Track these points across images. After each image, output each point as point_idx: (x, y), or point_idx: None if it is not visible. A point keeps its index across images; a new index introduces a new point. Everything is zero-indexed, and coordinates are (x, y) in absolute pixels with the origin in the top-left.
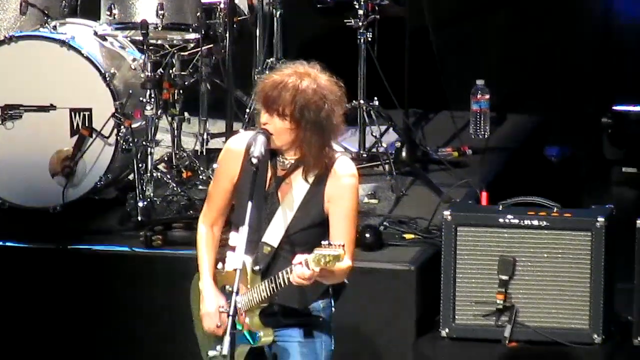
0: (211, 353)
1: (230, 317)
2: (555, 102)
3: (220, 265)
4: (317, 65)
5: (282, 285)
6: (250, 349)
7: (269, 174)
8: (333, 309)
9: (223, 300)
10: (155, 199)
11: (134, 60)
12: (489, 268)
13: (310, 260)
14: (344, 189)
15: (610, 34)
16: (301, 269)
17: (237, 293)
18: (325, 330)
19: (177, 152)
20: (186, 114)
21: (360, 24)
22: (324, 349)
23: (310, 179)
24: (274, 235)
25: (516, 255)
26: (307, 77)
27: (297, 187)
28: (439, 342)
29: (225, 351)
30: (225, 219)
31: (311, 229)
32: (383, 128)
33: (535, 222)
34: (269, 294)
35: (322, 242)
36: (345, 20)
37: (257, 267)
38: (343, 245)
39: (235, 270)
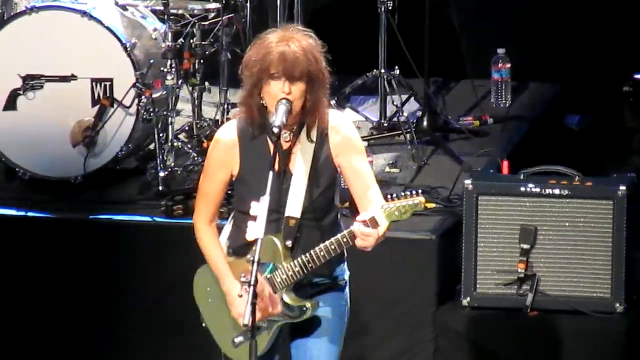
0: (237, 340)
1: (252, 287)
2: (576, 71)
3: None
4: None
5: (335, 252)
6: None
7: (276, 155)
8: (348, 271)
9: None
10: (175, 168)
11: (155, 30)
12: (511, 237)
13: (380, 216)
14: (348, 139)
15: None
16: (367, 229)
17: (258, 263)
18: (345, 292)
19: (198, 121)
20: (207, 83)
21: None
22: (346, 312)
23: (314, 137)
24: (295, 207)
25: (537, 224)
26: (297, 36)
27: (303, 155)
28: (460, 311)
29: (246, 321)
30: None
31: (329, 189)
32: (404, 97)
33: (557, 191)
34: (316, 263)
35: (390, 196)
36: None
37: (288, 242)
38: (419, 192)
39: (256, 239)
